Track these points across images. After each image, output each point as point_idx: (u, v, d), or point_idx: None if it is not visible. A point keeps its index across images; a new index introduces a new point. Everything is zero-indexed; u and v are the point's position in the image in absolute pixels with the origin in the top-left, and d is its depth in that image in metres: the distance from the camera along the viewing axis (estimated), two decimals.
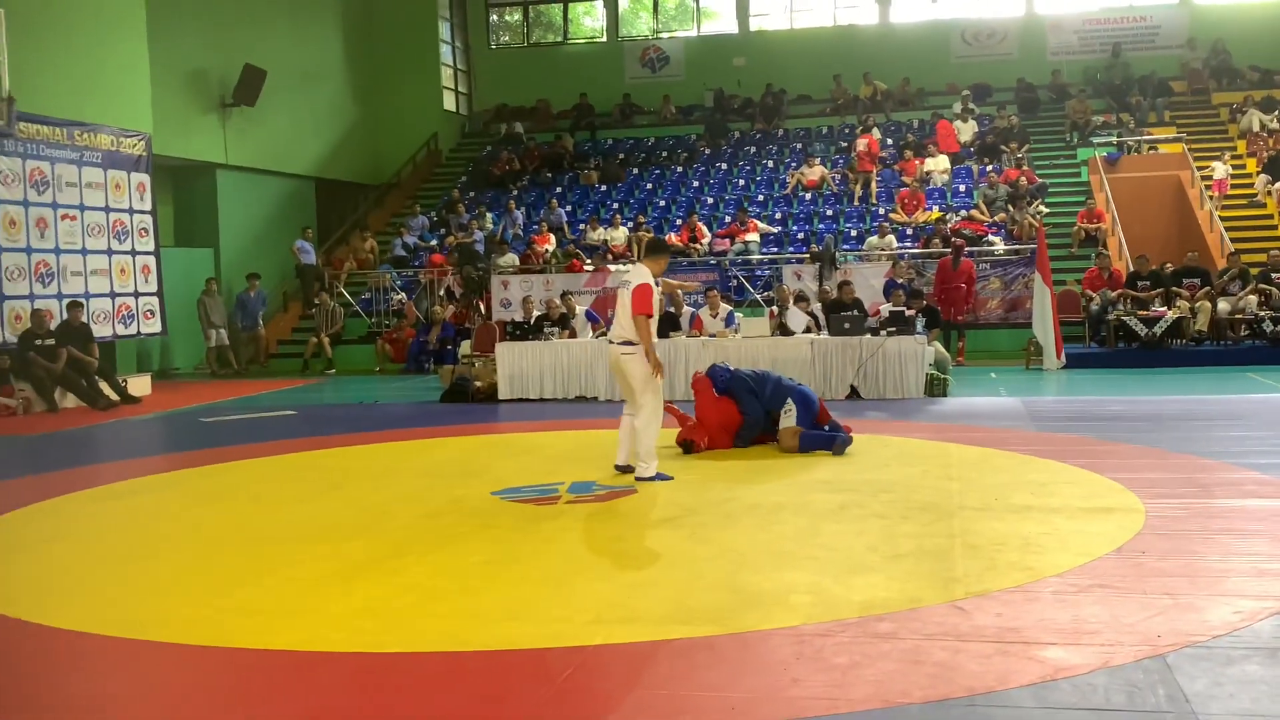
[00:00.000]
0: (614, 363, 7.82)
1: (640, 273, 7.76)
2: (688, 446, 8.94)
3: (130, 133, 16.20)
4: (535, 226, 21.35)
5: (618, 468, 7.95)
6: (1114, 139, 21.58)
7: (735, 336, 12.92)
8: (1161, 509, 6.19)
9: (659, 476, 7.63)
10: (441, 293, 19.24)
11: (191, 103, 19.75)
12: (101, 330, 15.39)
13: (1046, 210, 19.43)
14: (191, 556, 5.99)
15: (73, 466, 9.40)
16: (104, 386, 14.29)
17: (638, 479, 7.62)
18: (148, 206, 16.59)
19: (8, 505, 7.52)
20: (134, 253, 16.27)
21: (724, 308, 13.88)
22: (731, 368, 9.32)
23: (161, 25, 17.68)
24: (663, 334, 13.16)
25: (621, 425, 7.98)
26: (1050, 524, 5.93)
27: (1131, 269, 16.36)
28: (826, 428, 8.89)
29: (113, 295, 15.83)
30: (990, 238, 18.57)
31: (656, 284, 7.72)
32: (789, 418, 8.81)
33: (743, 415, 8.97)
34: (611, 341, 7.81)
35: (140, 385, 15.39)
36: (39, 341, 13.89)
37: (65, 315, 14.46)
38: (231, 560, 5.82)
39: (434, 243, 21.44)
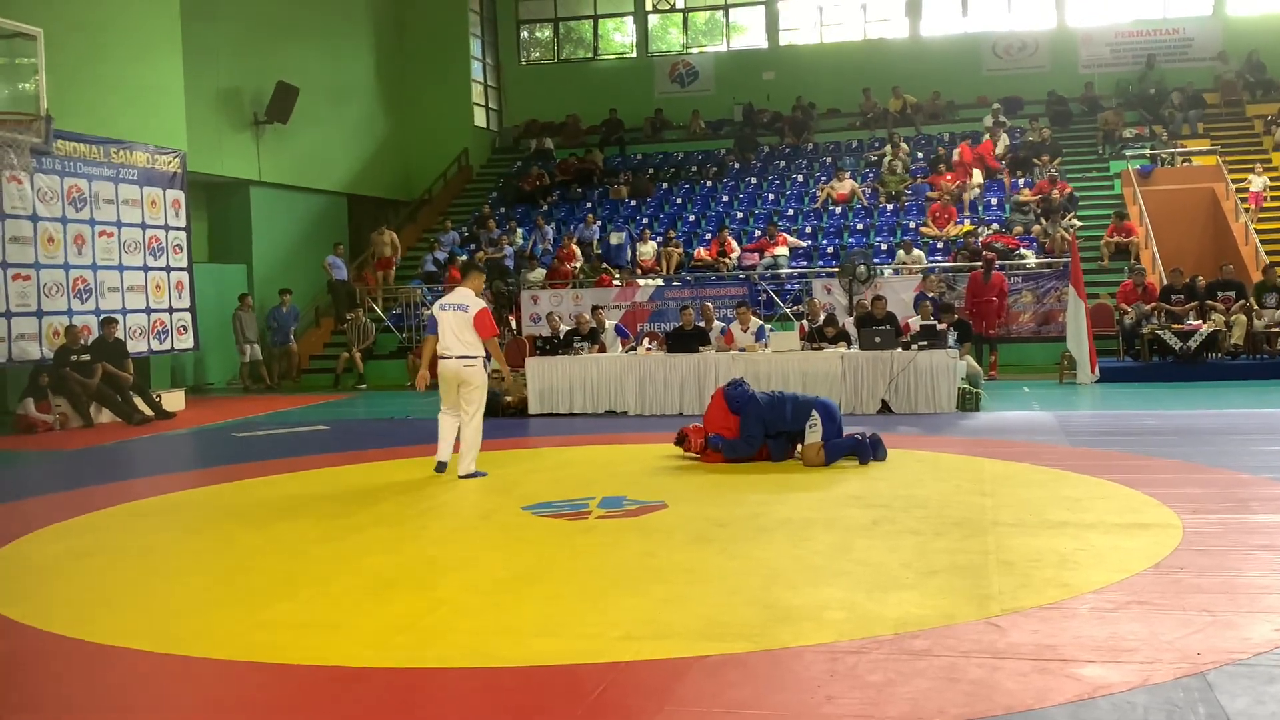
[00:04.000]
0: (455, 374, 8.77)
1: (471, 298, 8.81)
2: (681, 439, 9.30)
3: (165, 150, 16.39)
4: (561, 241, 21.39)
5: (440, 465, 8.85)
6: (1147, 151, 21.43)
7: (765, 351, 12.90)
8: (1199, 525, 6.12)
9: (477, 473, 8.68)
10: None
11: (225, 120, 19.96)
12: (136, 346, 15.56)
13: (1079, 224, 19.29)
14: (225, 571, 6.02)
15: (108, 482, 9.49)
16: (138, 402, 14.43)
17: (461, 476, 8.65)
18: (182, 223, 16.76)
19: (44, 520, 7.60)
20: (169, 269, 16.44)
21: (754, 322, 13.86)
22: (750, 390, 9.25)
23: (196, 44, 17.91)
24: (692, 349, 13.16)
25: (443, 424, 8.93)
26: (1086, 540, 5.87)
27: (1165, 282, 16.22)
28: (859, 435, 8.88)
29: (148, 311, 16.00)
30: (1022, 251, 18.46)
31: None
32: (814, 433, 8.78)
33: (740, 432, 8.97)
34: (447, 356, 8.74)
35: (174, 400, 15.54)
36: (74, 357, 14.04)
37: (100, 331, 14.61)
38: (265, 575, 5.85)
39: (463, 257, 21.50)
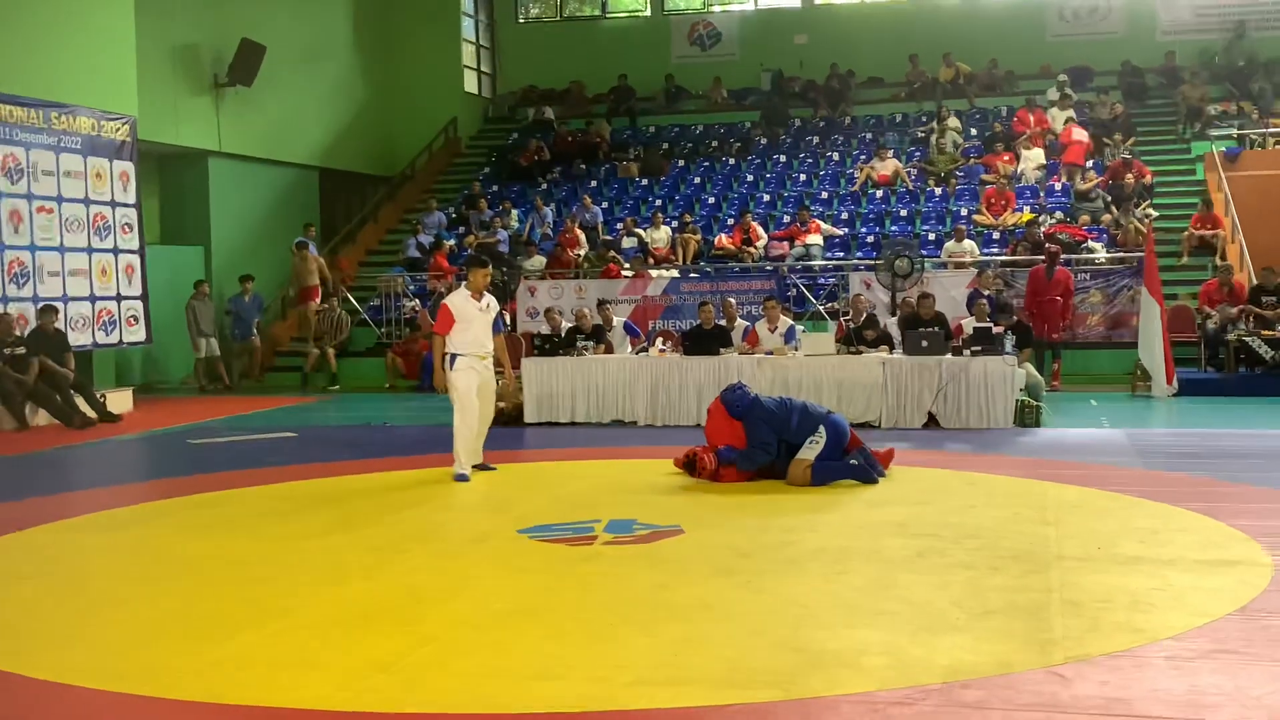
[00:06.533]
0: None
1: (454, 293, 9.94)
2: (690, 465, 9.28)
3: (113, 115, 16.44)
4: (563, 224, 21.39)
5: (475, 467, 9.76)
6: (1234, 131, 21.38)
7: (795, 354, 12.91)
8: None
9: (461, 477, 9.45)
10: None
11: (181, 82, 20.01)
12: (79, 338, 15.59)
13: (1155, 213, 19.27)
14: (180, 599, 6.05)
15: (45, 494, 9.53)
16: (80, 402, 14.46)
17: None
18: (132, 199, 16.82)
19: None
20: (116, 250, 16.49)
21: (784, 321, 13.86)
22: (752, 393, 9.30)
23: None
24: (711, 350, 13.18)
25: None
26: (1162, 578, 5.89)
27: (1255, 282, 16.19)
28: (850, 458, 8.92)
29: (93, 299, 16.05)
30: (1090, 244, 18.46)
31: (478, 299, 9.68)
32: (811, 449, 8.84)
33: (748, 440, 8.99)
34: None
35: (121, 401, 15.59)
36: (8, 350, 14.08)
37: (37, 321, 14.64)
38: (225, 604, 5.88)
39: (451, 242, 21.54)
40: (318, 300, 20.03)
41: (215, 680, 4.65)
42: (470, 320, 9.60)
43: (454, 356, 9.59)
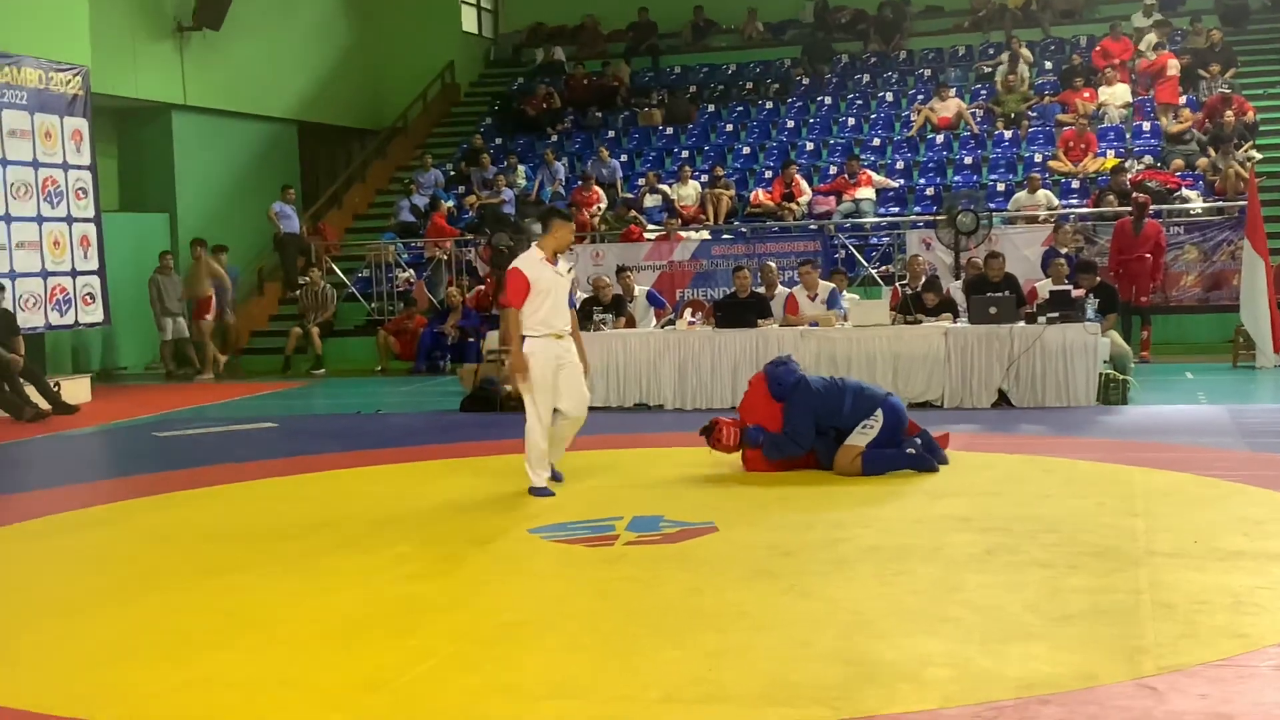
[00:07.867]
0: None
1: (523, 254, 8.90)
2: (708, 431, 9.22)
3: (63, 66, 16.48)
4: (579, 181, 21.37)
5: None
6: None
7: (844, 325, 12.85)
8: None
9: (539, 491, 8.53)
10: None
11: (140, 27, 20.04)
12: (30, 319, 15.67)
13: (1259, 156, 19.11)
14: (144, 611, 6.08)
15: None
16: (31, 391, 14.54)
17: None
18: (86, 160, 16.88)
19: None
20: (70, 219, 16.56)
21: (824, 285, 13.75)
22: (800, 371, 9.25)
23: None
24: (748, 322, 13.14)
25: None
26: (1269, 575, 5.85)
27: None
28: (907, 447, 8.90)
29: (44, 274, 16.12)
30: (1184, 192, 18.32)
31: (553, 262, 8.63)
32: (863, 435, 8.80)
33: (784, 425, 8.96)
34: None
35: (77, 389, 15.65)
36: None
37: None
38: (196, 617, 5.90)
39: (450, 203, 21.54)
40: (211, 315, 19.18)
41: (184, 703, 4.67)
42: (547, 290, 8.54)
43: (521, 338, 8.58)
